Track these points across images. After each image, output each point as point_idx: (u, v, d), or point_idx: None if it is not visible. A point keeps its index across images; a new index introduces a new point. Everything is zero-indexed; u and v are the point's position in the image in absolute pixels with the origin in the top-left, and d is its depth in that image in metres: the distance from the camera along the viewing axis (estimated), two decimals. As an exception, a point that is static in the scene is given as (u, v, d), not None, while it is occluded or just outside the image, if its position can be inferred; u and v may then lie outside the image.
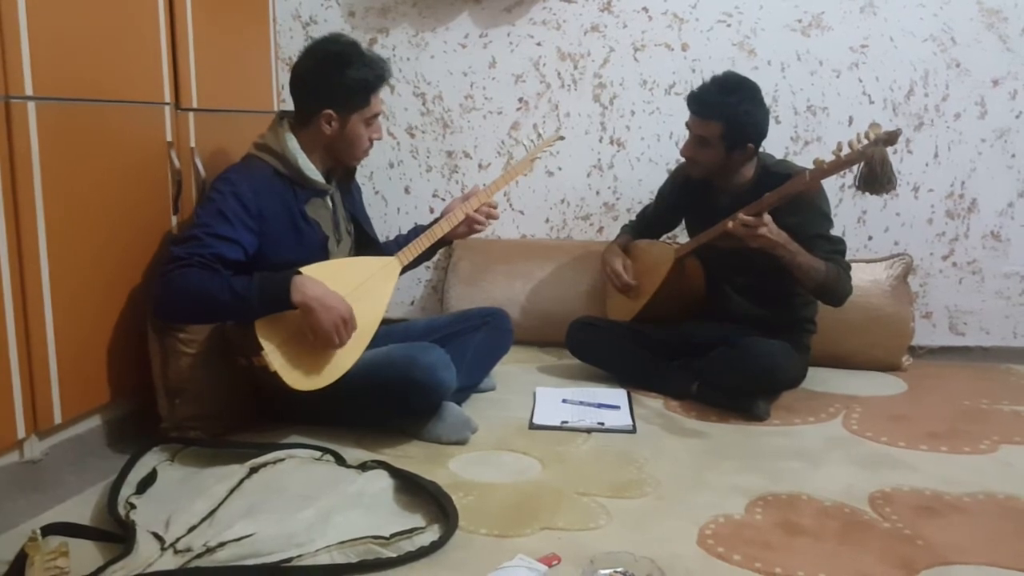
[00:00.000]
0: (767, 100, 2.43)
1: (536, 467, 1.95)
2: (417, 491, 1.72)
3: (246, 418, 2.15)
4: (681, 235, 2.83)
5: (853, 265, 2.41)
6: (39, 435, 1.81)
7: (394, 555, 1.49)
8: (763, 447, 2.07)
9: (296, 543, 1.50)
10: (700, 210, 2.51)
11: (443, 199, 3.08)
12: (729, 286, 2.48)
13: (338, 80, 2.02)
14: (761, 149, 2.41)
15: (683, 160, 2.49)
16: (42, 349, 1.76)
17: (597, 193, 3.07)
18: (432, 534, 1.56)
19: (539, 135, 2.48)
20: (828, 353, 2.63)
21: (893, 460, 2.01)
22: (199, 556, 1.47)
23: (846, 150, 2.03)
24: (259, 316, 1.87)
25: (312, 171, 2.07)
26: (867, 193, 2.04)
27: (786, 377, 2.37)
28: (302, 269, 1.92)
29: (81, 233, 1.85)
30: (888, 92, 2.86)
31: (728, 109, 2.30)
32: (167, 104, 2.13)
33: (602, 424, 2.19)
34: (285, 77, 2.13)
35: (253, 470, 1.78)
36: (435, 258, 3.03)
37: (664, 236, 2.79)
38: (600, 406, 2.31)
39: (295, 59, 2.11)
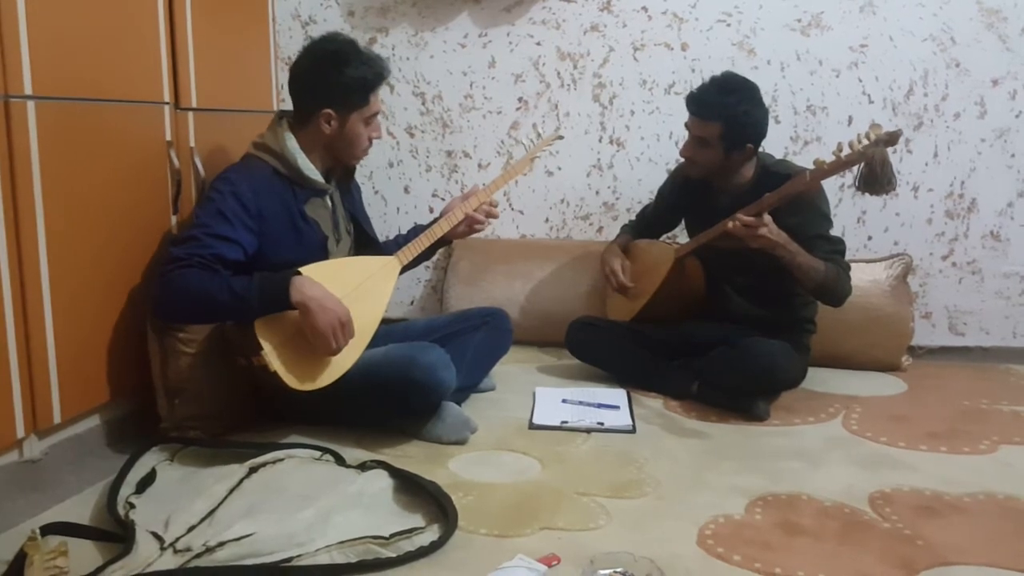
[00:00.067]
0: (767, 100, 2.43)
1: (536, 467, 1.95)
2: (417, 491, 1.72)
3: (246, 418, 2.15)
4: (681, 235, 2.83)
5: (853, 265, 2.41)
6: (38, 434, 1.81)
7: (394, 555, 1.49)
8: (763, 447, 2.07)
9: (296, 543, 1.50)
10: (700, 210, 2.51)
11: (443, 199, 3.08)
12: (729, 286, 2.48)
13: (337, 79, 2.02)
14: (761, 149, 2.41)
15: (683, 160, 2.49)
16: (42, 349, 1.76)
17: (597, 193, 3.07)
18: (432, 534, 1.56)
19: (538, 135, 2.48)
20: (828, 353, 2.63)
21: (893, 460, 2.01)
22: (199, 556, 1.47)
23: (846, 151, 2.03)
24: (258, 316, 1.87)
25: (311, 171, 2.07)
26: (867, 194, 2.05)
27: (786, 377, 2.37)
28: (302, 269, 1.92)
29: (81, 233, 1.85)
30: (888, 92, 2.86)
31: (727, 110, 2.30)
32: (166, 104, 2.13)
33: (602, 424, 2.19)
34: (285, 77, 2.13)
35: (253, 470, 1.78)
36: (435, 258, 3.03)
37: (664, 236, 2.80)
38: (600, 406, 2.31)
39: (294, 59, 2.11)
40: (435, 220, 2.30)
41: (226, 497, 1.67)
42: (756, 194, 2.22)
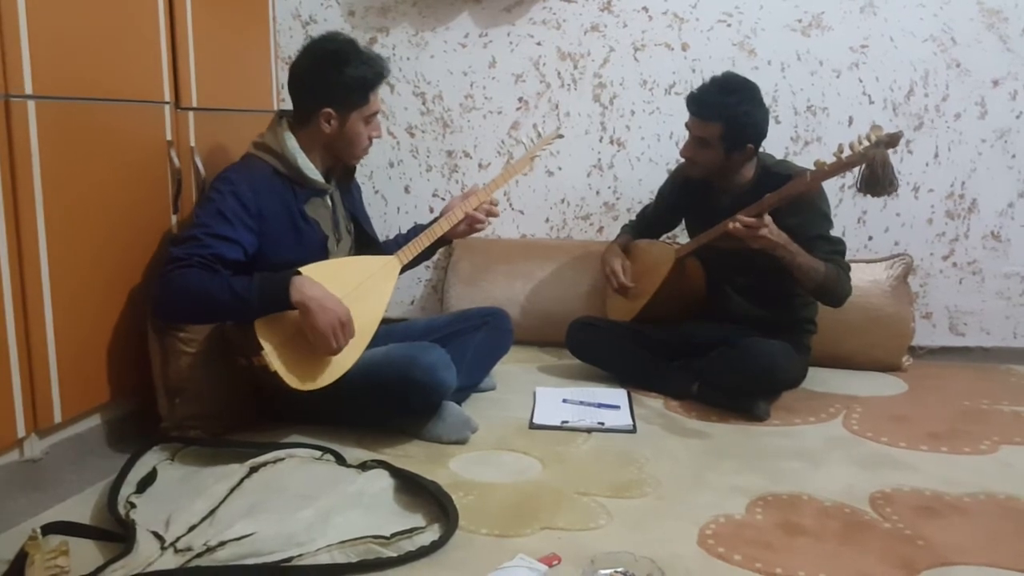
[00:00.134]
0: (767, 100, 2.43)
1: (536, 467, 1.95)
2: (417, 491, 1.72)
3: (246, 417, 2.15)
4: (681, 235, 2.83)
5: (853, 265, 2.41)
6: (39, 434, 1.81)
7: (394, 555, 1.49)
8: (763, 447, 2.07)
9: (296, 543, 1.50)
10: (700, 210, 2.52)
11: (443, 198, 3.08)
12: (729, 286, 2.48)
13: (336, 79, 2.02)
14: (761, 149, 2.41)
15: (683, 160, 2.49)
16: (42, 348, 1.75)
17: (597, 193, 3.07)
18: (432, 534, 1.56)
19: (539, 134, 2.48)
20: (828, 353, 2.63)
21: (893, 460, 2.01)
22: (199, 555, 1.47)
23: (847, 152, 2.03)
24: (259, 316, 1.87)
25: (311, 170, 2.07)
26: (868, 195, 2.04)
27: (786, 377, 2.38)
28: (302, 269, 1.92)
29: (81, 232, 1.85)
30: (888, 92, 2.86)
31: (728, 110, 2.30)
32: (167, 103, 2.13)
33: (602, 424, 2.19)
34: (285, 76, 2.12)
35: (253, 469, 1.78)
36: (435, 258, 3.03)
37: (664, 236, 2.80)
38: (600, 406, 2.31)
39: (294, 58, 2.11)
40: (435, 220, 2.30)
41: (227, 497, 1.67)
42: (756, 194, 2.22)
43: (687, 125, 2.40)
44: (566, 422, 2.20)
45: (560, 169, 3.07)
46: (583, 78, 3.01)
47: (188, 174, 2.20)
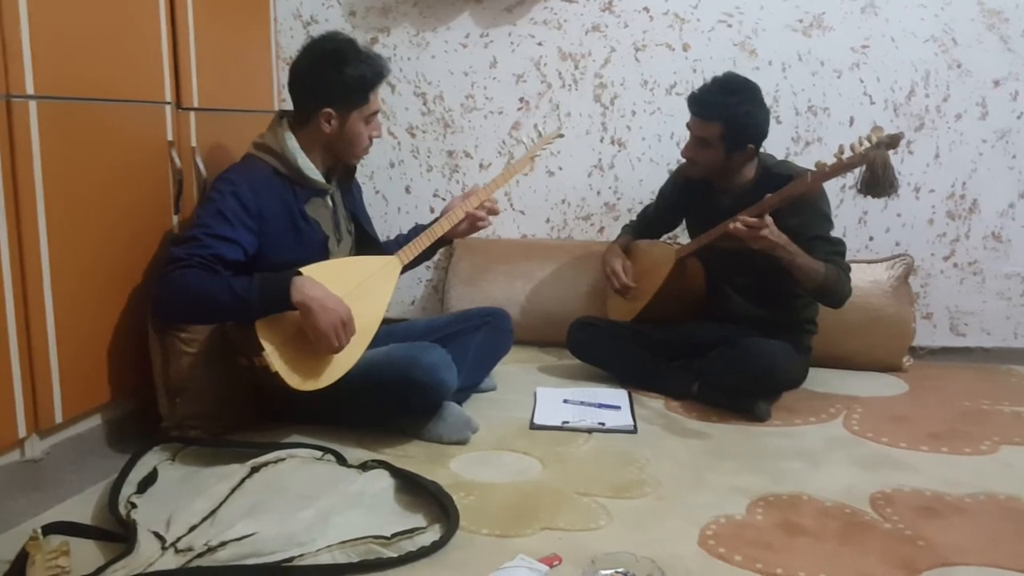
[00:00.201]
0: (768, 100, 2.43)
1: (537, 467, 1.95)
2: (418, 491, 1.72)
3: (247, 417, 2.15)
4: (682, 235, 2.83)
5: (854, 266, 2.41)
6: (40, 434, 1.81)
7: (395, 555, 1.49)
8: (764, 448, 2.07)
9: (297, 543, 1.50)
10: (701, 211, 2.52)
11: (443, 199, 3.08)
12: (730, 287, 2.48)
13: (336, 78, 2.02)
14: (762, 150, 2.41)
15: (684, 160, 2.49)
16: (43, 348, 1.76)
17: (598, 193, 3.07)
18: (433, 534, 1.56)
19: (539, 134, 2.48)
20: (829, 354, 2.63)
21: (894, 461, 2.01)
22: (200, 555, 1.47)
23: (848, 153, 2.03)
24: (259, 316, 1.87)
25: (312, 170, 2.07)
26: (868, 196, 2.04)
27: (787, 377, 2.38)
28: (302, 269, 1.92)
29: (82, 232, 1.85)
30: (889, 93, 2.86)
31: (728, 110, 2.30)
32: (168, 103, 2.13)
33: (603, 424, 2.19)
34: (286, 76, 2.12)
35: (254, 469, 1.78)
36: (435, 258, 3.03)
37: (665, 236, 2.80)
38: (601, 406, 2.31)
39: (294, 58, 2.11)
40: (435, 220, 2.30)
41: (227, 497, 1.67)
42: (757, 195, 2.22)
43: (688, 125, 2.40)
44: (567, 422, 2.20)
45: (561, 169, 3.07)
46: (584, 78, 3.01)
47: (189, 174, 2.20)
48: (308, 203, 2.08)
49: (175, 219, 2.16)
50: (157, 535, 1.55)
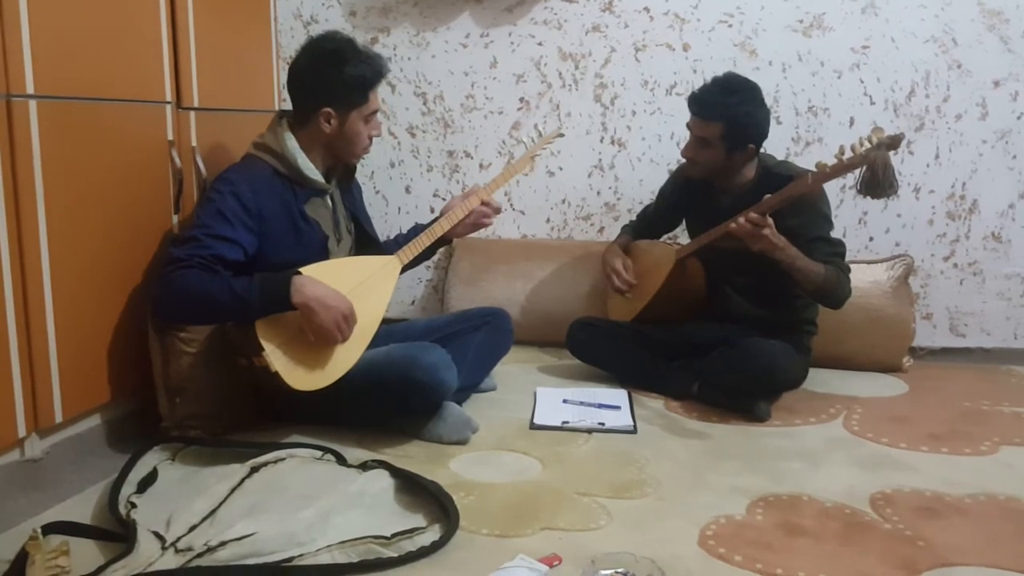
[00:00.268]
0: (768, 101, 2.43)
1: (537, 467, 1.95)
2: (418, 491, 1.72)
3: (247, 417, 2.15)
4: (682, 236, 2.83)
5: (854, 266, 2.41)
6: (40, 434, 1.81)
7: (395, 555, 1.49)
8: (764, 448, 2.07)
9: (297, 543, 1.50)
10: (701, 211, 2.52)
11: (444, 199, 3.08)
12: (730, 287, 2.48)
13: (336, 78, 2.02)
14: (762, 150, 2.41)
15: (684, 160, 2.49)
16: (43, 348, 1.76)
17: (598, 193, 3.07)
18: (433, 534, 1.56)
19: (539, 134, 2.48)
20: (829, 354, 2.63)
21: (894, 461, 2.01)
22: (200, 555, 1.47)
23: (848, 154, 2.03)
24: (259, 317, 1.87)
25: (311, 170, 2.07)
26: (868, 197, 2.04)
27: (787, 378, 2.38)
28: (302, 269, 1.92)
29: (82, 232, 1.85)
30: (889, 93, 2.86)
31: (729, 110, 2.30)
32: (168, 103, 2.13)
33: (603, 424, 2.19)
34: (286, 76, 2.13)
35: (254, 469, 1.78)
36: (435, 258, 3.03)
37: (665, 236, 2.80)
38: (601, 406, 2.31)
39: (293, 58, 2.11)
40: (435, 219, 2.30)
41: (227, 496, 1.67)
42: (757, 195, 2.22)
43: (688, 125, 2.40)
44: (566, 422, 2.20)
45: (561, 169, 3.07)
46: (584, 78, 3.01)
47: (189, 174, 2.20)
48: (308, 203, 2.08)
49: (175, 219, 2.16)
50: (157, 535, 1.55)
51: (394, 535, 1.52)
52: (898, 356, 2.73)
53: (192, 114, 2.21)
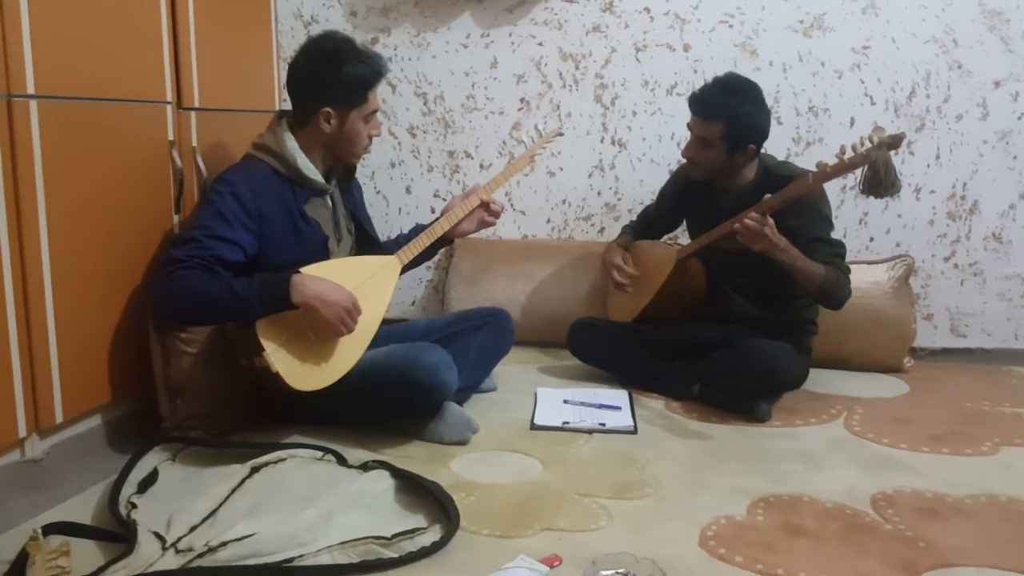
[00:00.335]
0: (768, 101, 2.43)
1: (537, 468, 1.95)
2: (419, 491, 1.72)
3: (247, 418, 2.15)
4: (682, 236, 2.83)
5: (855, 267, 2.41)
6: (40, 434, 1.80)
7: (396, 555, 1.49)
8: (765, 448, 2.07)
9: (298, 543, 1.50)
10: (701, 211, 2.52)
11: (444, 199, 3.08)
12: (731, 287, 2.48)
13: (335, 78, 2.01)
14: (762, 150, 2.41)
15: (684, 161, 2.49)
16: (43, 348, 1.75)
17: (599, 194, 3.07)
18: (434, 534, 1.56)
19: (540, 134, 2.47)
20: (830, 354, 2.63)
21: (895, 462, 2.00)
22: (200, 556, 1.47)
23: (849, 153, 2.03)
24: (260, 317, 1.87)
25: (311, 171, 2.07)
26: (870, 197, 2.04)
27: (787, 378, 2.37)
28: (302, 269, 1.92)
29: (83, 232, 1.85)
30: (890, 93, 2.86)
31: (730, 110, 2.30)
32: (169, 103, 2.13)
33: (603, 425, 2.19)
34: (287, 76, 2.13)
35: (254, 470, 1.78)
36: (436, 258, 3.03)
37: (665, 237, 2.80)
38: (601, 407, 2.31)
39: (292, 58, 2.10)
40: (436, 219, 2.30)
41: (228, 497, 1.67)
42: (758, 195, 2.22)
43: (689, 125, 2.40)
44: (567, 423, 2.20)
45: (561, 170, 3.07)
46: (585, 79, 3.01)
47: (190, 174, 2.20)
48: (308, 203, 2.08)
49: (176, 219, 2.16)
50: (157, 535, 1.54)
51: (395, 535, 1.52)
52: (899, 357, 2.73)
53: (193, 114, 2.21)
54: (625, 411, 2.29)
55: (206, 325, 2.03)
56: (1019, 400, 2.47)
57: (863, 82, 2.86)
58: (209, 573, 1.44)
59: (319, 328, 1.90)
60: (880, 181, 1.99)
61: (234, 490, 1.70)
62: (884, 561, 1.54)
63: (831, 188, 2.42)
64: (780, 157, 2.61)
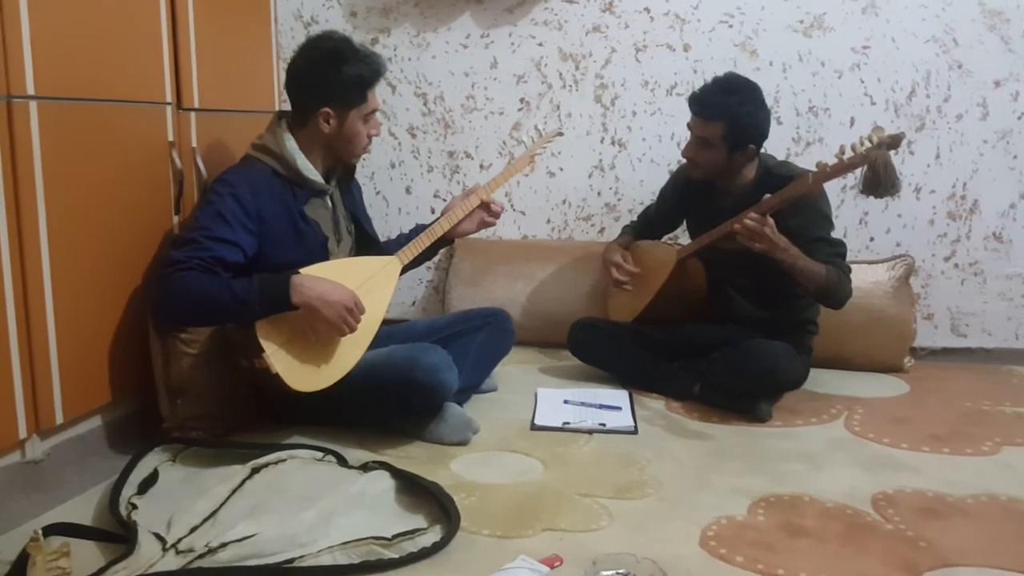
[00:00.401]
0: (768, 101, 2.43)
1: (538, 468, 1.95)
2: (419, 492, 1.72)
3: (248, 418, 2.15)
4: (682, 236, 2.83)
5: (855, 267, 2.41)
6: (40, 435, 1.80)
7: (396, 556, 1.49)
8: (765, 448, 2.07)
9: (298, 544, 1.50)
10: (702, 211, 2.51)
11: (444, 199, 3.08)
12: (731, 287, 2.48)
13: (335, 78, 2.01)
14: (762, 150, 2.41)
15: (684, 161, 2.49)
16: (43, 349, 1.75)
17: (599, 194, 3.07)
18: (434, 535, 1.56)
19: (540, 134, 2.47)
20: (830, 354, 2.63)
21: (895, 462, 2.00)
22: (201, 556, 1.47)
23: (849, 153, 2.03)
24: (260, 318, 1.87)
25: (311, 171, 2.07)
26: (870, 196, 2.04)
27: (788, 378, 2.37)
28: (302, 270, 1.92)
29: (83, 233, 1.85)
30: (890, 93, 2.86)
31: (730, 110, 2.30)
32: (169, 104, 2.13)
33: (604, 425, 2.19)
34: (287, 77, 2.13)
35: (255, 470, 1.78)
36: (436, 258, 3.03)
37: (665, 237, 2.79)
38: (602, 407, 2.31)
39: (291, 58, 2.10)
40: (436, 220, 2.29)
41: (228, 498, 1.67)
42: (758, 195, 2.22)
43: (689, 125, 2.40)
44: (567, 423, 2.20)
45: (561, 170, 3.07)
46: (585, 79, 3.01)
47: (190, 175, 2.20)
48: (307, 204, 2.08)
49: (175, 220, 2.16)
50: (158, 536, 1.54)
51: (395, 536, 1.52)
52: (899, 356, 2.73)
53: (192, 115, 2.21)
54: (625, 411, 2.29)
55: (206, 326, 2.03)
56: (1020, 400, 2.47)
57: (863, 82, 2.86)
58: (210, 574, 1.44)
59: (321, 328, 1.90)
60: (880, 181, 1.99)
61: (234, 491, 1.70)
62: (885, 561, 1.54)
63: (831, 188, 2.42)
64: (780, 157, 2.60)
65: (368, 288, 2.04)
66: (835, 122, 2.89)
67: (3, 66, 1.63)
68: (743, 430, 2.20)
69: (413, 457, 1.97)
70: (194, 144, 2.22)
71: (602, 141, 3.03)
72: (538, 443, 2.08)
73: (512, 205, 3.11)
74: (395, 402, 2.02)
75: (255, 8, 2.66)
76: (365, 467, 1.84)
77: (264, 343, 1.86)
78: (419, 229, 2.31)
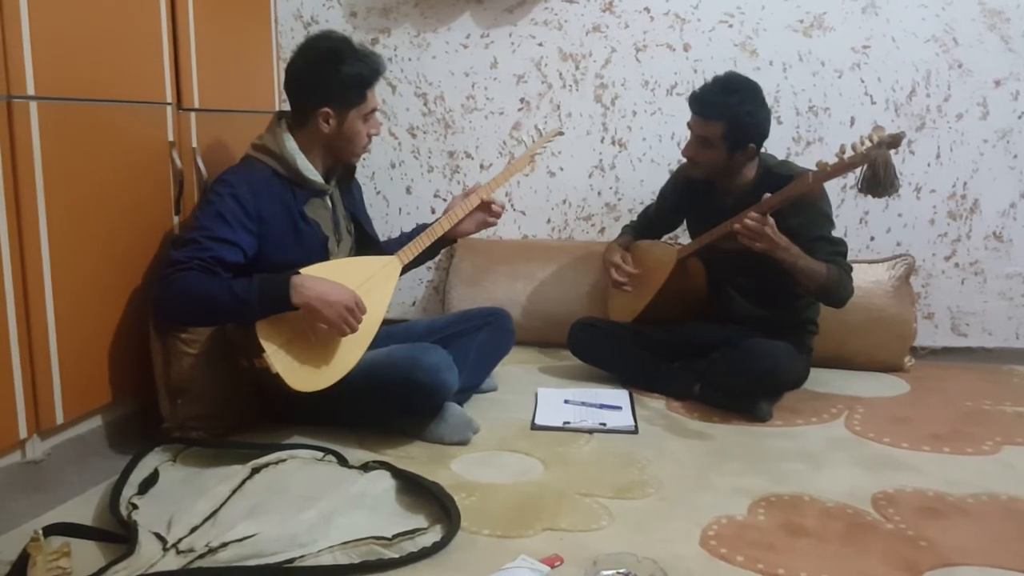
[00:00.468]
0: (769, 100, 2.43)
1: (538, 468, 1.95)
2: (419, 492, 1.72)
3: (248, 418, 2.15)
4: (683, 236, 2.83)
5: (855, 266, 2.41)
6: (41, 435, 1.80)
7: (396, 556, 1.49)
8: (766, 448, 2.07)
9: (298, 543, 1.50)
10: (702, 211, 2.51)
11: (444, 199, 3.08)
12: (731, 287, 2.48)
13: (334, 77, 2.01)
14: (763, 150, 2.41)
15: (685, 161, 2.49)
16: (44, 349, 1.75)
17: (599, 194, 3.06)
18: (434, 535, 1.56)
19: (540, 134, 2.47)
20: (830, 354, 2.63)
21: (896, 461, 2.00)
22: (201, 556, 1.47)
23: (849, 153, 2.03)
24: (260, 318, 1.87)
25: (311, 171, 2.07)
26: (870, 196, 2.04)
27: (788, 378, 2.37)
28: (302, 270, 1.92)
29: (83, 233, 1.85)
30: (890, 93, 2.86)
31: (730, 109, 2.30)
32: (169, 104, 2.13)
33: (604, 425, 2.19)
34: (287, 77, 2.13)
35: (255, 470, 1.78)
36: (437, 258, 3.03)
37: (665, 237, 2.79)
38: (602, 407, 2.31)
39: (290, 58, 2.10)
40: (437, 220, 2.29)
41: (229, 498, 1.67)
42: (758, 195, 2.22)
43: (689, 125, 2.40)
44: (568, 423, 2.20)
45: (562, 170, 3.07)
46: (585, 79, 3.01)
47: (190, 175, 2.20)
48: (307, 204, 2.08)
49: (176, 220, 2.16)
50: (158, 536, 1.54)
51: (396, 536, 1.52)
52: (899, 356, 2.73)
53: (192, 115, 2.21)
54: (626, 411, 2.29)
55: (206, 326, 2.03)
56: (1020, 399, 2.47)
57: (863, 81, 2.86)
58: (210, 574, 1.44)
59: (321, 328, 1.90)
60: (880, 180, 1.99)
61: (235, 491, 1.70)
62: (885, 560, 1.53)
63: (831, 187, 2.42)
64: (780, 157, 2.60)
65: (368, 288, 2.04)
66: (835, 122, 2.89)
67: (3, 66, 1.63)
68: (743, 430, 2.20)
69: (413, 457, 1.97)
70: (194, 144, 2.22)
71: (602, 141, 3.03)
72: (538, 443, 2.08)
73: (512, 205, 3.11)
74: (395, 402, 2.02)
75: (255, 8, 2.66)
76: (365, 467, 1.84)
77: (264, 343, 1.86)
78: (420, 229, 2.31)
